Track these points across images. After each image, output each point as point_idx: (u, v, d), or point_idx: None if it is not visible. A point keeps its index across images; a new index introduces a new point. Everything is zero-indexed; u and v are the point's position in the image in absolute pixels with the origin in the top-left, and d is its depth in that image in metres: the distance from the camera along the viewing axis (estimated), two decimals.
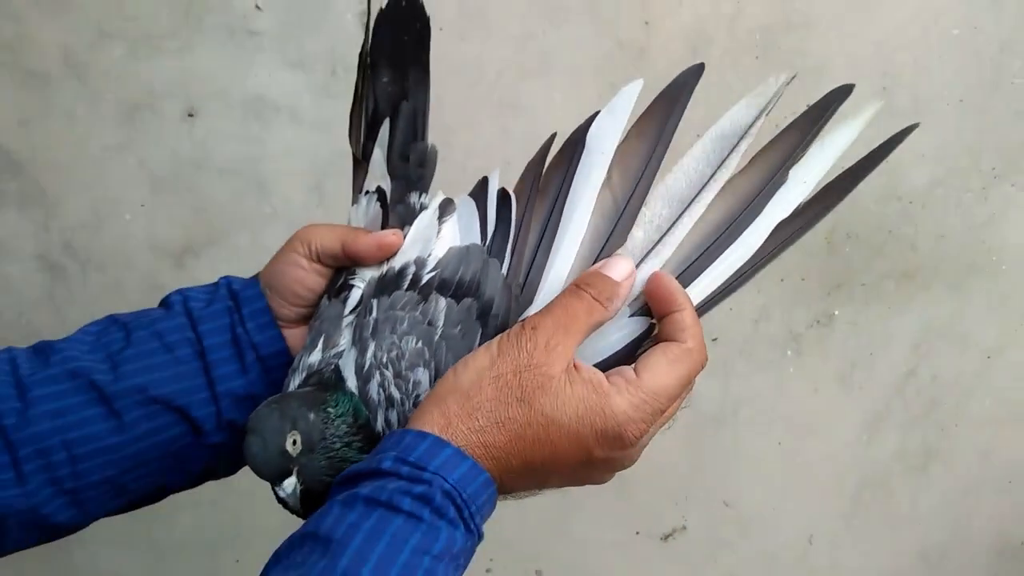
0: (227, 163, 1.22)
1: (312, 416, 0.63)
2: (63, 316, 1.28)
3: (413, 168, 0.75)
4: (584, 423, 0.59)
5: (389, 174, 0.75)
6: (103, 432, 0.68)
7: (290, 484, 0.62)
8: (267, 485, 0.64)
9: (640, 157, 0.69)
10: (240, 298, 0.72)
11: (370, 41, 0.74)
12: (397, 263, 0.70)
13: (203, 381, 0.70)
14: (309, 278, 0.71)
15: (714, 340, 1.33)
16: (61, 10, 1.15)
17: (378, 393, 0.65)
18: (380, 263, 0.70)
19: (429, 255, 0.69)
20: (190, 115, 1.19)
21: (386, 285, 0.69)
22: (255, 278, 0.74)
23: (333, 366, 0.68)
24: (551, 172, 0.70)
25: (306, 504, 0.64)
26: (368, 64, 0.75)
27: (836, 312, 1.32)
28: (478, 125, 1.21)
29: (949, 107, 1.22)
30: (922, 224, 1.28)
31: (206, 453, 0.72)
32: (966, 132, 1.23)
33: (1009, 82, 1.21)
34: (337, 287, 0.71)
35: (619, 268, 0.64)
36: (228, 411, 0.71)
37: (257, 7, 1.16)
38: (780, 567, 1.49)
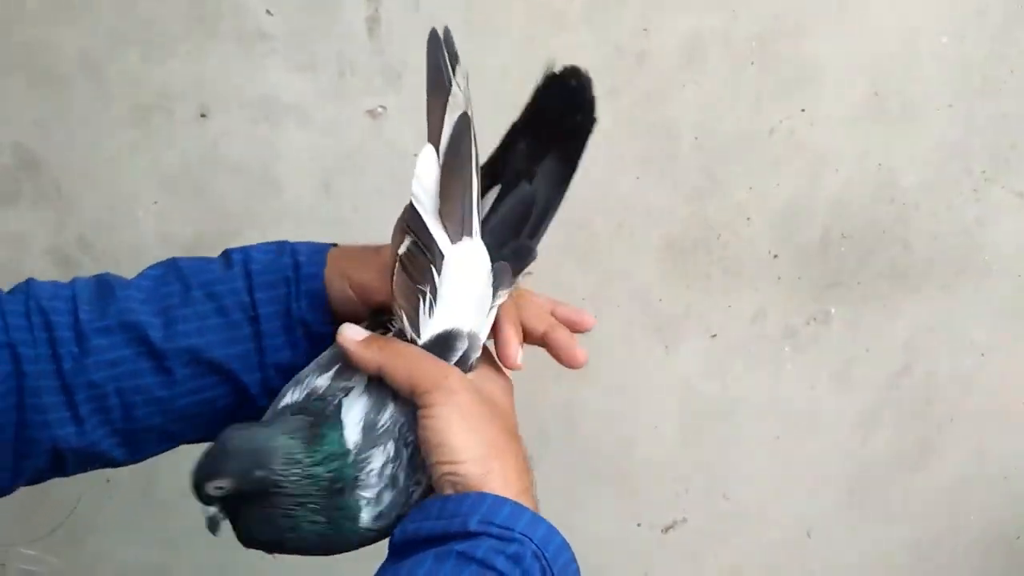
0: (238, 163, 1.23)
1: (260, 473, 0.59)
2: None
3: (508, 256, 0.68)
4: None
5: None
6: (153, 385, 0.70)
7: (207, 511, 0.61)
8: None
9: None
10: (301, 272, 0.72)
11: (536, 100, 0.71)
12: (451, 326, 0.64)
13: (253, 347, 0.71)
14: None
15: (712, 337, 1.34)
16: (77, 14, 1.16)
17: (382, 469, 0.62)
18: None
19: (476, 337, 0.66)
20: (202, 116, 1.20)
21: (431, 347, 0.64)
22: (322, 249, 0.73)
23: (337, 401, 0.63)
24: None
25: (235, 515, 0.62)
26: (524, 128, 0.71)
27: (832, 310, 1.33)
28: (482, 125, 1.18)
29: (939, 112, 1.22)
30: (915, 225, 1.28)
31: (252, 413, 0.72)
32: (955, 136, 1.23)
33: (996, 88, 1.21)
34: (382, 319, 0.68)
35: (350, 330, 0.67)
36: (274, 380, 0.71)
37: (268, 12, 1.16)
38: (779, 559, 1.49)
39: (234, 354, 0.71)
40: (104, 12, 1.17)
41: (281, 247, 0.74)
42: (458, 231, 0.64)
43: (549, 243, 0.75)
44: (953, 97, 1.22)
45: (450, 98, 0.67)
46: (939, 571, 1.51)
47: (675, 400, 1.38)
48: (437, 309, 0.63)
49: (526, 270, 0.68)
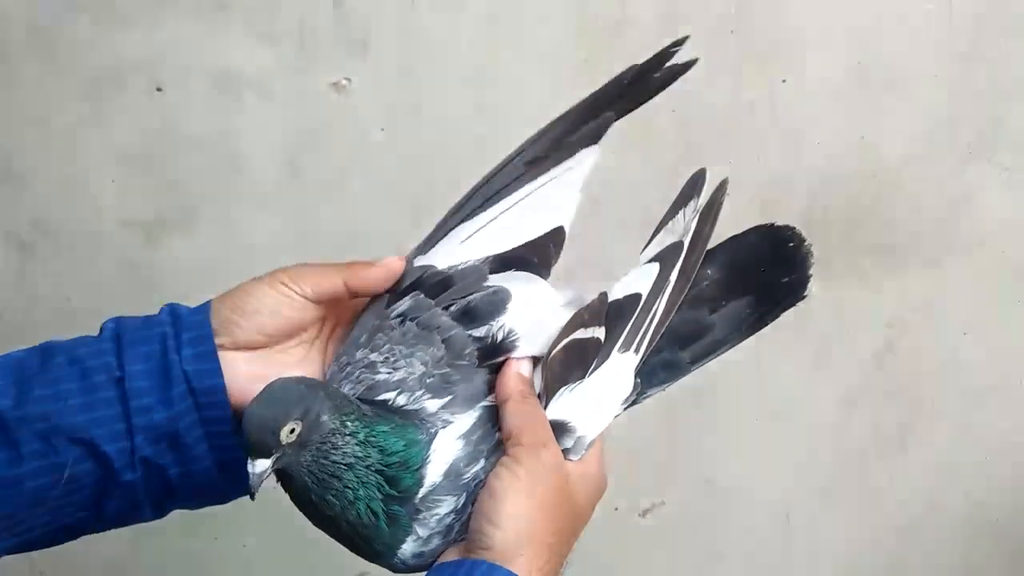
0: (197, 138, 1.19)
1: (325, 418, 0.59)
2: (34, 294, 1.26)
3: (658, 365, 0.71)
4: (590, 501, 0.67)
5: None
6: None
7: (262, 465, 0.58)
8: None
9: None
10: (183, 322, 0.67)
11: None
12: (568, 420, 0.66)
13: (118, 411, 0.64)
14: (296, 312, 0.68)
15: None
16: None
17: (444, 516, 0.62)
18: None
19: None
20: (158, 89, 1.17)
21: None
22: (205, 304, 0.69)
23: (435, 430, 0.64)
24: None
25: (287, 487, 0.62)
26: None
27: (813, 288, 1.31)
28: (452, 98, 1.19)
29: (924, 82, 1.20)
30: (898, 200, 1.26)
31: (120, 492, 0.66)
32: (942, 108, 1.22)
33: (983, 56, 1.19)
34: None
35: (523, 366, 0.67)
36: (144, 447, 0.64)
37: None
38: (758, 542, 1.48)
39: (94, 420, 0.64)
40: None
41: (159, 312, 0.69)
42: (629, 343, 0.67)
43: None
44: (939, 67, 1.20)
45: (671, 222, 0.71)
46: (922, 553, 1.50)
47: None
48: (568, 398, 0.65)
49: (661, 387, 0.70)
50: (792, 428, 1.40)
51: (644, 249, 0.71)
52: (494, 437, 0.64)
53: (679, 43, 0.72)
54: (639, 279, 0.69)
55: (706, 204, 0.70)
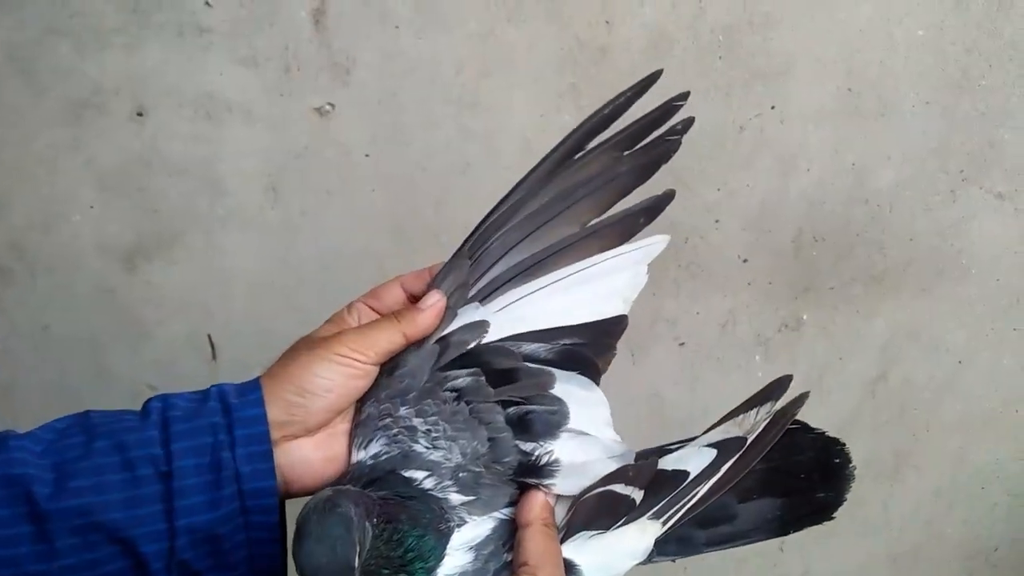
0: (178, 163, 1.18)
1: (368, 525, 0.57)
2: (11, 319, 1.25)
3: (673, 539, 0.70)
4: None
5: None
6: (27, 556, 0.58)
7: None
8: None
9: None
10: (235, 416, 0.62)
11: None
12: (581, 565, 0.65)
13: (160, 509, 0.60)
14: (362, 380, 0.65)
15: (681, 345, 1.30)
16: (4, 6, 1.11)
17: None
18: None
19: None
20: (139, 114, 1.15)
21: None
22: (255, 385, 0.64)
23: (448, 526, 0.63)
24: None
25: None
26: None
27: (804, 316, 1.30)
28: (437, 124, 1.17)
29: (915, 109, 1.19)
30: (890, 227, 1.25)
31: None
32: (933, 134, 1.21)
33: (976, 84, 1.18)
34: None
35: (551, 495, 0.67)
36: (183, 550, 0.60)
37: (207, 3, 1.12)
38: (750, 572, 1.46)
39: (134, 518, 0.59)
40: (32, 3, 1.12)
41: (206, 393, 0.64)
42: (661, 514, 0.66)
43: None
44: (930, 93, 1.19)
45: (743, 416, 0.68)
46: None
47: (643, 410, 1.34)
48: (585, 543, 0.65)
49: (670, 558, 0.70)
50: None
51: (707, 431, 0.69)
52: (502, 557, 0.63)
53: (682, 97, 0.72)
54: (693, 459, 0.67)
55: (779, 411, 0.68)
